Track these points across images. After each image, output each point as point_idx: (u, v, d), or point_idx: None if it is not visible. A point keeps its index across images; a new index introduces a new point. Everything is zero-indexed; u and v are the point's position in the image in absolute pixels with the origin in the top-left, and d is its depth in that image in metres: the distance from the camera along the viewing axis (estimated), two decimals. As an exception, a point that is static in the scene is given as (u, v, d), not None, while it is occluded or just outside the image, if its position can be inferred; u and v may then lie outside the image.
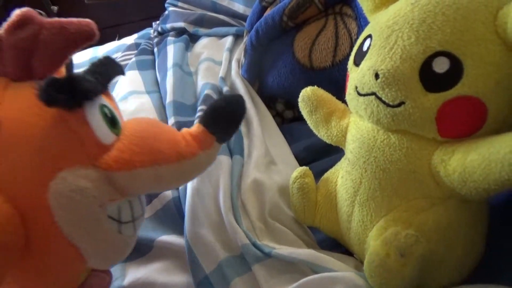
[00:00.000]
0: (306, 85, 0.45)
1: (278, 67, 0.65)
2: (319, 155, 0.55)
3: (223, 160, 0.50)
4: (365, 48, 0.37)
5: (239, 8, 0.95)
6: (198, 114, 0.60)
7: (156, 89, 0.79)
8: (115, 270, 0.45)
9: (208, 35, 0.94)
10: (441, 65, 0.31)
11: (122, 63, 0.97)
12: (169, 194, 0.51)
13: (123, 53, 1.01)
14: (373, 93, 0.34)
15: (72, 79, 0.27)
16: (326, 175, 0.43)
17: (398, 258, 0.30)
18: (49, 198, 0.27)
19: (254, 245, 0.41)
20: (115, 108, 0.33)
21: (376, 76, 0.33)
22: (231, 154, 0.53)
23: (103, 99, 0.31)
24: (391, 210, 0.34)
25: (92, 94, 0.29)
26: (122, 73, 0.33)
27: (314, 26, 0.62)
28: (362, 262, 0.34)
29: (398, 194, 0.34)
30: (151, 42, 1.00)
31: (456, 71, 0.31)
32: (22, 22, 0.29)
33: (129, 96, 0.76)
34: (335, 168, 0.42)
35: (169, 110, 0.66)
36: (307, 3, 0.60)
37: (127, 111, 0.71)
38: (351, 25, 0.59)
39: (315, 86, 0.45)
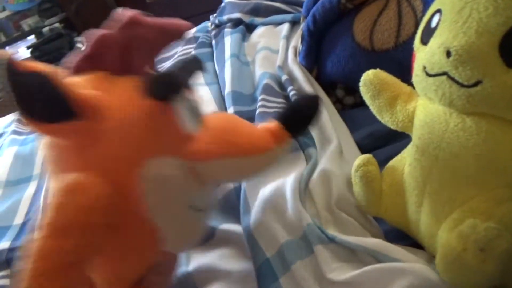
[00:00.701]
0: (367, 69, 0.42)
1: (337, 52, 0.62)
2: (382, 142, 0.53)
3: (299, 156, 0.51)
4: (433, 25, 0.34)
5: (294, -6, 0.93)
6: (260, 103, 0.60)
7: (215, 80, 0.80)
8: (180, 257, 0.47)
9: (264, 24, 0.94)
10: (526, 37, 0.28)
11: (182, 57, 1.00)
12: (230, 184, 0.52)
13: (183, 47, 1.04)
14: (444, 73, 0.31)
15: (170, 76, 0.31)
16: (391, 163, 0.40)
17: (477, 253, 0.28)
18: (141, 182, 0.30)
19: (319, 228, 0.40)
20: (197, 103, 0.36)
21: (448, 54, 0.30)
22: (302, 148, 0.52)
23: (187, 94, 0.34)
24: (467, 200, 0.32)
25: (183, 89, 0.32)
26: (203, 69, 0.36)
27: (375, 6, 0.58)
28: (433, 256, 0.32)
29: (476, 183, 0.31)
30: (209, 35, 1.02)
31: (544, 43, 0.27)
32: (131, 22, 0.33)
33: (189, 89, 0.78)
34: (402, 156, 0.40)
35: (228, 100, 0.66)
36: (366, -17, 0.57)
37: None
38: (416, 1, 0.55)
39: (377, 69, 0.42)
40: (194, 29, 1.15)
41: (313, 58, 0.67)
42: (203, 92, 0.75)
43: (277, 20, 0.91)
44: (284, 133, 0.37)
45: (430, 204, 0.34)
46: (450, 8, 0.32)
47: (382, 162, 0.43)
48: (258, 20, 0.96)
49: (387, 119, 0.41)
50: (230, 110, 0.64)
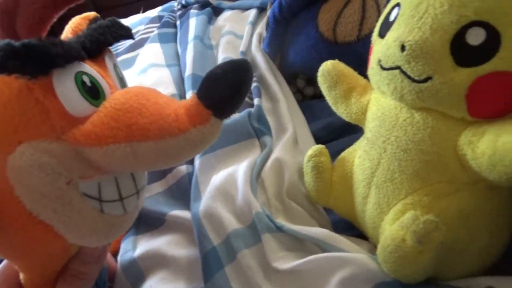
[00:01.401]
0: (329, 59, 0.42)
1: (301, 41, 0.62)
2: (338, 134, 0.53)
3: (254, 143, 0.49)
4: (392, 18, 0.34)
5: (265, -20, 0.92)
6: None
7: (176, 62, 0.78)
8: (127, 243, 0.45)
9: (232, 8, 0.92)
10: (476, 37, 0.28)
11: (145, 36, 0.96)
12: (183, 169, 0.50)
13: (146, 26, 1.01)
14: (397, 67, 0.31)
15: (30, 44, 0.24)
16: (343, 154, 0.41)
17: (415, 244, 0.28)
18: (7, 172, 0.25)
19: (268, 217, 0.39)
20: (106, 77, 0.30)
21: (402, 48, 0.30)
22: (257, 135, 0.51)
23: (86, 66, 0.28)
24: (410, 193, 0.32)
25: (61, 60, 0.26)
26: (130, 37, 0.31)
27: (341, -2, 0.58)
28: (376, 247, 0.32)
29: (420, 177, 0.32)
30: (174, 15, 0.99)
31: (492, 44, 0.28)
32: None
33: (149, 69, 0.75)
34: (353, 148, 0.40)
35: (187, 84, 0.65)
36: (333, -28, 0.57)
37: (146, 83, 0.70)
38: (381, -5, 0.55)
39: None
40: (159, 8, 1.11)
41: (277, 46, 0.66)
42: (162, 74, 0.72)
43: (245, 5, 0.90)
44: (202, 110, 0.28)
45: (376, 195, 0.35)
46: (409, 3, 0.32)
47: (336, 154, 0.43)
48: (225, 3, 0.94)
49: (341, 111, 0.41)
50: (189, 93, 0.62)
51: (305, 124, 0.54)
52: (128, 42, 0.97)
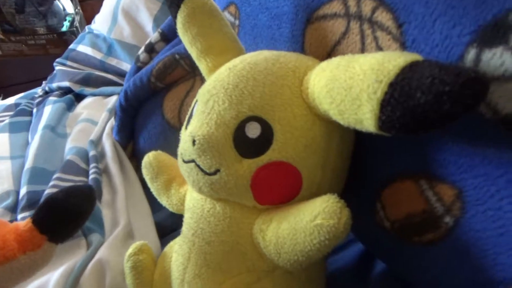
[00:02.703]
0: (178, 147, 0.42)
1: (149, 129, 0.62)
2: (185, 221, 0.52)
3: (79, 244, 0.44)
4: (193, 113, 0.35)
5: (128, 67, 0.93)
6: (51, 183, 0.54)
7: (23, 153, 0.72)
8: None
9: (94, 95, 0.90)
10: (253, 130, 0.30)
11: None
12: None
13: (-1, 114, 0.93)
14: (193, 160, 0.32)
15: None
16: (165, 249, 0.39)
17: None
18: None
19: None
20: None
21: (194, 142, 0.31)
22: (84, 234, 0.46)
23: None
24: (215, 289, 0.31)
25: None
26: None
27: (183, 86, 0.61)
28: None
29: (222, 269, 0.31)
30: (33, 102, 0.93)
31: (267, 136, 0.30)
32: None
33: (-13, 163, 0.67)
34: (174, 241, 0.39)
35: (24, 178, 0.59)
36: (173, 64, 0.60)
37: (-21, 180, 0.62)
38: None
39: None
40: (19, 95, 1.04)
41: (127, 134, 0.65)
42: (1, 167, 0.65)
43: (107, 92, 0.89)
44: (36, 236, 0.28)
45: (188, 294, 0.33)
46: (201, 99, 0.33)
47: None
48: (88, 90, 0.92)
49: (165, 202, 0.40)
50: (23, 189, 0.56)
51: (148, 215, 0.52)
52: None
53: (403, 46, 0.29)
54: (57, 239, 0.29)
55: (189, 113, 0.38)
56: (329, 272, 0.38)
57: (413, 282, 0.34)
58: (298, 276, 0.32)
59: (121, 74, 0.94)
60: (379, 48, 0.32)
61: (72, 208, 0.30)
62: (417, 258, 0.31)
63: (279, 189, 0.30)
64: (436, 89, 0.20)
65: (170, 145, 0.56)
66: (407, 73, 0.22)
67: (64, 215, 0.29)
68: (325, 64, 0.29)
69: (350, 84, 0.25)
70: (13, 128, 0.81)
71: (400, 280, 0.37)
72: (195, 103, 0.36)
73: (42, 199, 0.48)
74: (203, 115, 0.32)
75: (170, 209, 0.40)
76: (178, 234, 0.43)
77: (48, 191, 0.52)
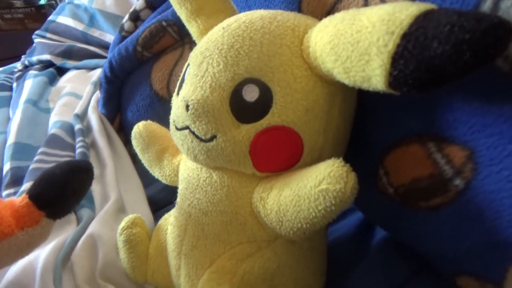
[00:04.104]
0: (167, 119, 0.40)
1: (136, 101, 0.59)
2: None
3: (69, 220, 0.43)
4: (185, 77, 0.33)
5: (111, 39, 0.89)
6: (36, 158, 0.51)
7: (5, 129, 0.68)
8: None
9: (77, 68, 0.86)
10: (251, 93, 0.28)
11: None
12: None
13: (-24, 91, 0.88)
14: (187, 127, 0.30)
15: None
16: (160, 221, 0.37)
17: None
18: None
19: None
20: None
21: (187, 107, 0.29)
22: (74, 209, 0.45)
23: None
24: (214, 260, 0.30)
25: None
26: None
27: (171, 55, 0.58)
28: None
29: (221, 240, 0.30)
30: (12, 76, 0.89)
31: (266, 99, 0.28)
32: None
33: (-33, 140, 0.64)
34: (169, 213, 0.37)
35: (6, 154, 0.56)
36: (160, 32, 0.56)
37: (-41, 158, 0.59)
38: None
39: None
40: (-2, 70, 0.99)
41: (113, 107, 0.62)
42: (-18, 144, 0.62)
43: (91, 65, 0.85)
44: (33, 212, 0.28)
45: (186, 266, 0.31)
46: (193, 62, 0.31)
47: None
48: (70, 63, 0.88)
49: (157, 174, 0.38)
50: (7, 165, 0.53)
51: (140, 189, 0.50)
52: None
53: (411, -1, 0.28)
54: (55, 215, 0.29)
55: (180, 77, 0.35)
56: (328, 242, 0.38)
57: (416, 249, 0.33)
58: (300, 245, 0.30)
59: (104, 46, 0.90)
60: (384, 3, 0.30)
61: (70, 184, 0.29)
62: (423, 224, 0.30)
63: (279, 155, 0.28)
64: (455, 37, 0.18)
65: (159, 117, 0.54)
66: (421, 22, 0.20)
67: (62, 190, 0.29)
68: (327, 20, 0.27)
69: (357, 38, 0.23)
70: (-8, 104, 0.77)
71: (400, 249, 0.36)
72: (186, 67, 0.34)
73: (31, 175, 0.46)
74: (196, 78, 0.30)
75: (163, 181, 0.38)
76: (171, 208, 0.42)
77: (33, 166, 0.49)
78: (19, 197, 0.28)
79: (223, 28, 0.31)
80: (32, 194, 0.28)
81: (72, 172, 0.29)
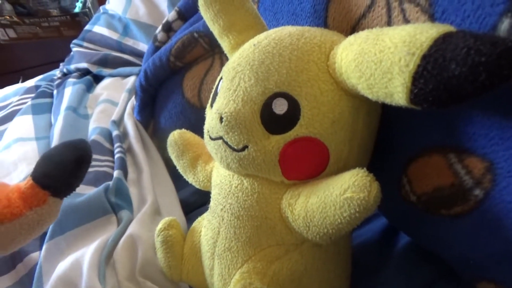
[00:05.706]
0: (198, 126, 0.43)
1: (169, 108, 0.63)
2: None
3: (110, 221, 0.46)
4: (218, 90, 0.36)
5: (144, 47, 0.93)
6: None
7: (47, 134, 0.73)
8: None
9: (112, 76, 0.91)
10: (280, 107, 0.30)
11: (17, 107, 0.90)
12: (35, 256, 0.45)
13: (20, 97, 0.94)
14: (220, 137, 0.32)
15: None
16: (194, 224, 0.40)
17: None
18: None
19: None
20: None
21: (221, 119, 0.32)
22: (114, 210, 0.48)
23: None
24: (245, 261, 0.32)
25: None
26: None
27: (202, 65, 0.61)
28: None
29: (252, 243, 0.32)
30: (53, 84, 0.95)
31: (294, 112, 0.30)
32: None
33: (13, 144, 0.69)
34: (202, 217, 0.40)
35: (51, 159, 0.60)
36: (192, 43, 0.60)
37: (7, 160, 0.64)
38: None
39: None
40: (38, 77, 1.06)
41: (148, 114, 0.66)
42: (27, 148, 0.67)
43: (125, 73, 0.90)
44: (38, 192, 0.29)
45: (219, 266, 0.34)
46: (226, 76, 0.34)
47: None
48: (106, 71, 0.93)
49: (191, 179, 0.41)
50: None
51: (173, 192, 0.53)
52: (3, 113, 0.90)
53: (432, 18, 0.29)
54: (59, 193, 0.30)
55: (213, 90, 0.38)
56: (353, 247, 0.39)
57: (438, 255, 0.34)
58: (326, 249, 0.32)
59: (137, 54, 0.94)
60: (407, 21, 0.31)
61: (67, 160, 0.30)
62: (444, 231, 0.31)
63: (306, 164, 0.30)
64: (472, 60, 0.20)
65: (190, 123, 0.57)
66: (440, 44, 0.22)
67: (60, 167, 0.30)
68: (352, 38, 0.29)
69: (380, 57, 0.24)
70: (35, 110, 0.83)
71: (423, 254, 0.38)
72: (219, 81, 0.36)
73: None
74: (229, 92, 0.32)
75: (197, 186, 0.41)
76: (202, 211, 0.44)
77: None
78: (24, 181, 0.30)
79: (254, 44, 0.33)
80: (35, 176, 0.30)
81: (67, 149, 0.31)
